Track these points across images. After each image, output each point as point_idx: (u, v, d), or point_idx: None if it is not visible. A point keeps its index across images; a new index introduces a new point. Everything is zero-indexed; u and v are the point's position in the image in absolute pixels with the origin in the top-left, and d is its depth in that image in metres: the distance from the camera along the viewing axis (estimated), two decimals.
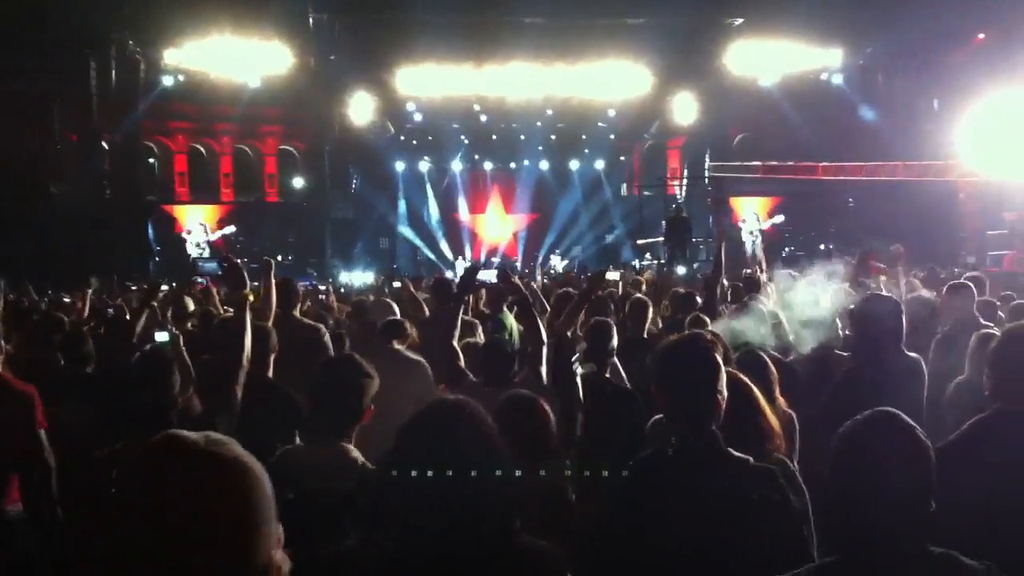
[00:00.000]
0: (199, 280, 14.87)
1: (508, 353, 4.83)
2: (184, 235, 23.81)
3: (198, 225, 24.11)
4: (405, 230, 26.72)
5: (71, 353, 5.48)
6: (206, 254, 23.24)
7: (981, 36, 20.31)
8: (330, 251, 24.30)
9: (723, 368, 2.74)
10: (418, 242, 26.82)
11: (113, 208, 21.39)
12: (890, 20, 19.85)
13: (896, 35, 20.69)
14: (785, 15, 21.12)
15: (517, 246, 27.86)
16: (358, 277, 23.25)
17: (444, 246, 27.06)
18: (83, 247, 19.30)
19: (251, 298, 4.11)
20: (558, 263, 24.94)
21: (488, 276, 5.53)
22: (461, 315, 5.72)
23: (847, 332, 5.09)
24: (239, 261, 4.42)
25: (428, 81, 22.96)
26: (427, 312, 7.39)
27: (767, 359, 4.10)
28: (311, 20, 22.15)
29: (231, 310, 7.94)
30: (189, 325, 7.09)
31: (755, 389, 3.30)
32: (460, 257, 26.57)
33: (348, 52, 22.63)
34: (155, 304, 6.73)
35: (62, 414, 4.51)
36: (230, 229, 23.84)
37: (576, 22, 21.94)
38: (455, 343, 5.31)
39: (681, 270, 20.23)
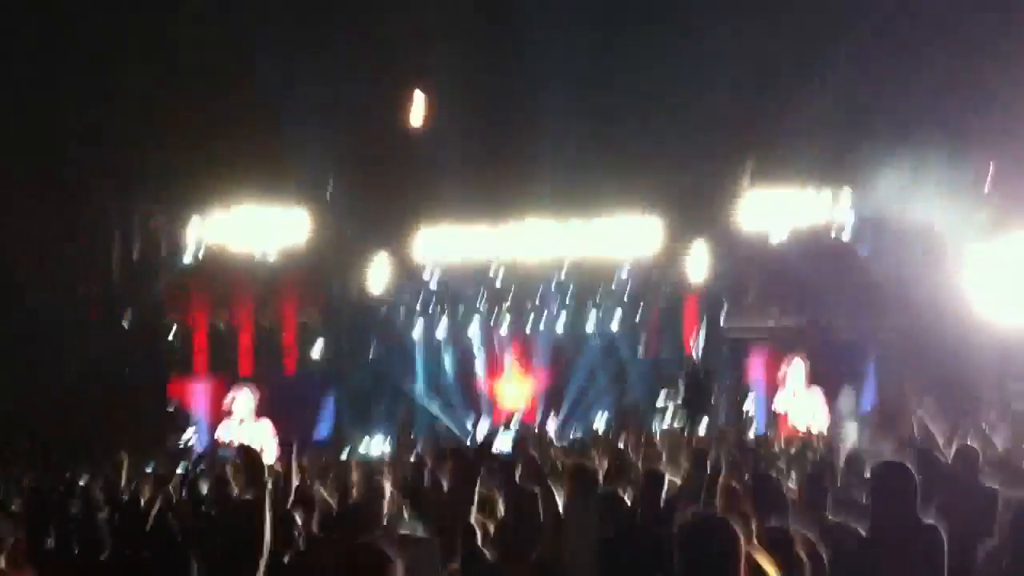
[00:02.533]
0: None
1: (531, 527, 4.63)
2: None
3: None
4: (422, 398, 26.41)
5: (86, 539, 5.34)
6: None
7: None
8: (347, 420, 23.99)
9: (743, 556, 2.73)
10: (436, 409, 26.46)
11: (132, 384, 21.33)
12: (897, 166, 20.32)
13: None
14: (795, 165, 21.64)
15: (536, 410, 27.46)
16: (376, 445, 22.91)
17: (462, 412, 26.68)
18: (98, 422, 19.13)
19: (269, 486, 4.18)
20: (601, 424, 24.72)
21: (503, 444, 5.45)
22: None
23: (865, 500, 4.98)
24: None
25: (444, 244, 23.38)
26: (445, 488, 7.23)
27: (795, 538, 3.98)
28: (330, 187, 22.69)
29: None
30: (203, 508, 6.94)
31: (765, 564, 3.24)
32: (479, 422, 26.17)
33: (364, 218, 23.11)
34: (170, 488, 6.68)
35: None
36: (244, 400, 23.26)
37: (588, 180, 22.51)
38: (472, 520, 5.09)
39: (702, 428, 19.99)
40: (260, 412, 23.12)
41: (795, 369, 23.89)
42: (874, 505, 4.43)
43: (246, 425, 22.83)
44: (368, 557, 3.16)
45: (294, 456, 5.71)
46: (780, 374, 23.83)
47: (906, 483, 4.26)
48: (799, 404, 23.20)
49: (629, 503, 5.63)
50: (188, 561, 3.66)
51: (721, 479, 6.07)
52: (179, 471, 9.39)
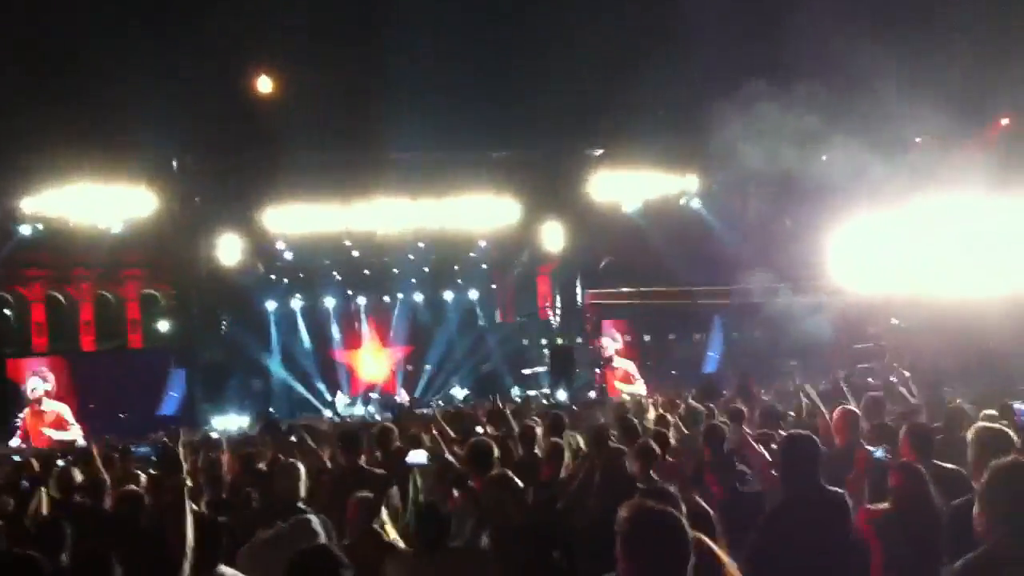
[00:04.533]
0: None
1: (444, 516, 4.58)
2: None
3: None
4: (279, 370, 26.05)
5: None
6: None
7: (824, 158, 21.63)
8: (200, 396, 23.45)
9: (692, 543, 2.70)
10: (293, 382, 26.17)
11: None
12: (737, 149, 20.91)
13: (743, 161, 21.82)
14: (642, 145, 22.17)
15: (395, 380, 27.54)
16: (232, 422, 22.48)
17: (320, 384, 26.48)
18: None
19: (188, 483, 3.92)
20: (459, 392, 24.86)
21: (417, 459, 5.28)
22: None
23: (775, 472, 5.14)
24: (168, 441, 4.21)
25: (296, 219, 22.95)
26: (327, 463, 7.13)
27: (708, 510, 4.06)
28: (175, 163, 21.92)
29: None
30: (77, 497, 6.66)
31: (719, 553, 3.24)
32: (338, 392, 26.08)
33: (214, 193, 22.53)
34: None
35: None
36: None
37: (441, 157, 22.46)
38: (382, 528, 5.02)
39: (562, 395, 20.46)
40: (79, 390, 22.21)
41: (612, 337, 24.66)
42: (784, 473, 4.62)
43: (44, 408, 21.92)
44: (322, 562, 3.12)
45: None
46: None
47: (813, 452, 4.47)
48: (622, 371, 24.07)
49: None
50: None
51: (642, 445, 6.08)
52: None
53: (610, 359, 23.76)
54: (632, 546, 2.73)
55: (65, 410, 21.75)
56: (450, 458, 6.70)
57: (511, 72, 20.11)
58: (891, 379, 10.48)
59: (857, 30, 16.58)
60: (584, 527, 5.17)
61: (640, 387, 22.32)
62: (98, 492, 6.72)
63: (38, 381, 21.88)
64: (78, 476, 7.56)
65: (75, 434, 20.67)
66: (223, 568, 4.20)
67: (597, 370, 23.54)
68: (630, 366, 24.02)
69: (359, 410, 24.88)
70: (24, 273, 23.56)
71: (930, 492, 4.63)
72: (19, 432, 20.96)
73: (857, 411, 6.75)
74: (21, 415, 21.16)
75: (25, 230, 21.55)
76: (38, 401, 21.54)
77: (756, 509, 5.22)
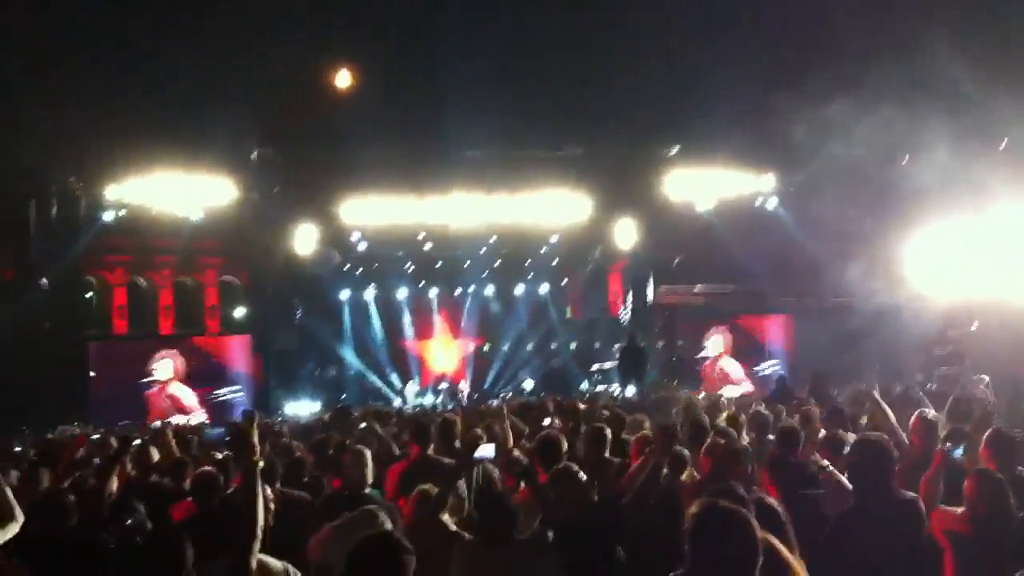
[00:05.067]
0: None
1: (511, 509, 4.54)
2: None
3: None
4: (351, 358, 26.41)
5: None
6: None
7: (907, 159, 21.17)
8: (273, 382, 23.91)
9: (762, 542, 2.66)
10: (365, 370, 26.51)
11: (50, 345, 21.04)
12: (815, 148, 20.59)
13: (821, 161, 21.47)
14: (718, 143, 21.94)
15: (465, 371, 27.71)
16: (304, 407, 22.89)
17: (392, 373, 26.78)
18: (17, 386, 18.87)
19: (261, 464, 3.94)
20: (528, 385, 24.90)
21: (485, 453, 5.27)
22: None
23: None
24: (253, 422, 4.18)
25: (371, 211, 23.22)
26: (396, 452, 7.20)
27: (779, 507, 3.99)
28: (255, 154, 22.35)
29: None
30: (154, 477, 6.82)
31: (785, 554, 3.19)
32: (409, 382, 26.37)
33: (291, 184, 22.91)
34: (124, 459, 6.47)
35: None
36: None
37: (515, 154, 22.54)
38: (446, 518, 5.01)
39: (631, 391, 20.35)
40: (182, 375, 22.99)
41: (716, 339, 24.44)
42: (852, 478, 4.55)
43: (171, 391, 22.71)
44: (385, 547, 3.16)
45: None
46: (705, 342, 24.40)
47: (885, 456, 4.39)
48: (720, 372, 23.93)
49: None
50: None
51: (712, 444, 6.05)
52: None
53: (705, 359, 23.69)
54: (701, 543, 2.71)
55: (190, 395, 22.49)
56: (517, 453, 6.70)
57: (586, 68, 20.08)
58: (970, 383, 10.21)
59: (944, 28, 16.18)
60: (646, 525, 5.17)
61: (738, 390, 22.03)
62: (179, 473, 6.87)
63: (167, 363, 22.67)
64: (155, 455, 7.75)
65: (199, 419, 21.32)
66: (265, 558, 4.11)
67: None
68: (734, 368, 23.91)
69: (428, 400, 25.11)
70: (107, 259, 24.16)
71: (1009, 500, 4.52)
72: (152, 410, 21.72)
73: (934, 416, 6.58)
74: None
75: (108, 216, 22.19)
76: (166, 383, 22.33)
77: (814, 514, 5.15)
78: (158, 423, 20.31)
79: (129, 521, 4.99)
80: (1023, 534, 4.18)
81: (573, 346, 27.25)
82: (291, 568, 3.98)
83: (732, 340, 24.47)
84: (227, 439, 11.82)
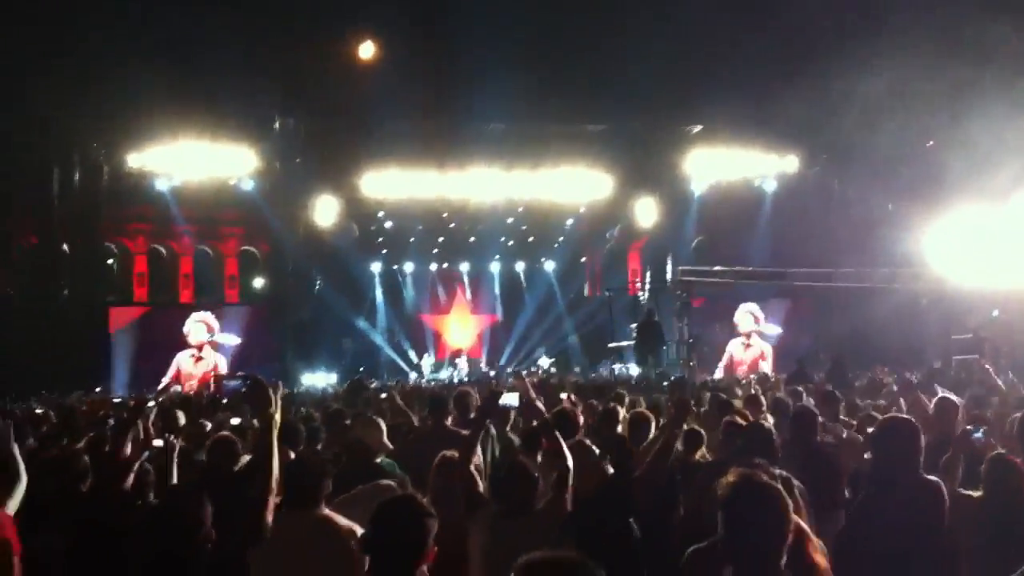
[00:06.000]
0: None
1: (533, 478, 4.51)
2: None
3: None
4: (368, 331, 26.48)
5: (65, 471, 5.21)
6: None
7: (930, 143, 20.99)
8: (291, 353, 23.99)
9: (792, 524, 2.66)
10: (382, 343, 26.59)
11: (71, 310, 21.25)
12: (842, 129, 20.42)
13: (849, 143, 21.29)
14: (741, 123, 21.79)
15: (481, 347, 27.77)
16: (320, 379, 22.98)
17: (408, 347, 26.86)
18: (39, 350, 19.06)
19: (277, 418, 3.90)
20: (544, 362, 24.94)
21: (510, 400, 5.23)
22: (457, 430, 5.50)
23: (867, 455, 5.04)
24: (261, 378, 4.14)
25: (392, 184, 23.22)
26: (415, 422, 7.22)
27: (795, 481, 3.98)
28: (277, 124, 22.36)
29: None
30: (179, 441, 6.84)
31: (805, 527, 3.18)
32: (425, 356, 26.43)
33: (313, 156, 22.89)
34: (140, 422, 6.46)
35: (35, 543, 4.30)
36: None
37: (536, 129, 22.47)
38: (472, 468, 5.01)
39: (635, 370, 20.34)
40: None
41: (744, 315, 24.46)
42: (876, 457, 4.55)
43: (204, 355, 22.95)
44: (407, 509, 3.16)
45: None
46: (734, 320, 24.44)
47: (910, 437, 4.38)
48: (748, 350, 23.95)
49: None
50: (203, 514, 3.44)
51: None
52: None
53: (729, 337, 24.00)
54: (736, 514, 2.71)
55: (222, 361, 22.69)
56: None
57: (608, 45, 19.90)
58: (988, 369, 10.12)
59: (969, 12, 15.99)
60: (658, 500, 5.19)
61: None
62: (199, 438, 6.90)
63: (202, 328, 22.88)
64: (182, 419, 7.79)
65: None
66: (324, 510, 4.06)
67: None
68: (765, 347, 24.23)
69: (444, 374, 25.18)
70: (128, 227, 24.31)
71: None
72: (171, 374, 21.86)
73: (955, 400, 6.55)
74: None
75: (130, 183, 22.29)
76: (199, 347, 22.52)
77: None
78: (177, 388, 20.61)
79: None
80: None
81: (590, 323, 27.21)
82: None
83: (753, 320, 24.53)
84: (244, 390, 11.86)
